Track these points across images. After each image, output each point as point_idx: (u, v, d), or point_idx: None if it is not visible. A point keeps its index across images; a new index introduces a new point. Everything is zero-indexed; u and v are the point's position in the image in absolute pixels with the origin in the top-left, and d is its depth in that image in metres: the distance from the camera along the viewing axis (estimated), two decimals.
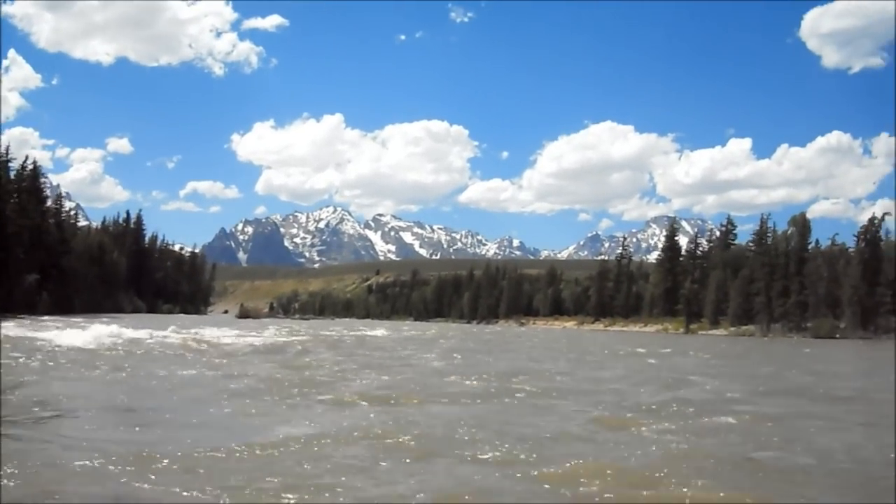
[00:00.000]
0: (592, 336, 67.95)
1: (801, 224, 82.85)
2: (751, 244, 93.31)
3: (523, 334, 68.87)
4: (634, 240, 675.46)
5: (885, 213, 78.01)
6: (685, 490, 6.82)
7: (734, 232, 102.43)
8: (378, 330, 58.15)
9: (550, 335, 67.91)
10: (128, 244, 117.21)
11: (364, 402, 12.02)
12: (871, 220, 77.22)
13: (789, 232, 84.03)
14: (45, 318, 41.86)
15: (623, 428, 10.25)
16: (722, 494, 6.77)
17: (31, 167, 74.84)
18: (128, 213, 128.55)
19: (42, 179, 76.45)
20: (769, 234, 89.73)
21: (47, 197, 78.88)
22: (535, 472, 7.31)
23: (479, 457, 8.02)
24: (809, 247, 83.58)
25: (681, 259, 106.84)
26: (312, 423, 9.99)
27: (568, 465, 7.67)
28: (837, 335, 71.51)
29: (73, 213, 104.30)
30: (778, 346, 51.74)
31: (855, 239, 79.94)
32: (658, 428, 10.22)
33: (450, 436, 9.19)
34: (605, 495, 6.63)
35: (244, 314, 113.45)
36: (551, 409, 12.01)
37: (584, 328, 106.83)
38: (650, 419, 10.99)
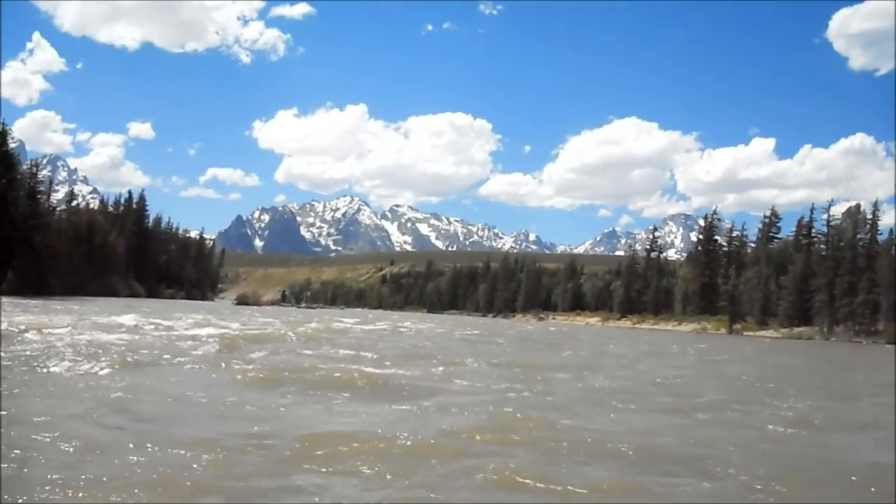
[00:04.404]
0: (657, 338, 59.00)
1: (871, 216, 73.84)
2: (801, 238, 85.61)
3: (575, 332, 60.56)
4: (651, 236, 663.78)
5: None
6: None
7: (777, 225, 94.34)
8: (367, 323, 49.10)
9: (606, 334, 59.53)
10: (128, 225, 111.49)
11: None
12: None
13: (843, 225, 75.79)
14: None
15: None
16: None
17: None
18: (130, 193, 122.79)
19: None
20: (819, 226, 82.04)
21: (19, 164, 71.71)
22: None
23: None
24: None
25: (719, 252, 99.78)
26: None
27: None
28: None
29: (75, 192, 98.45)
30: None
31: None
32: None
33: None
34: None
35: (242, 301, 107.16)
36: None
37: (611, 325, 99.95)
38: None
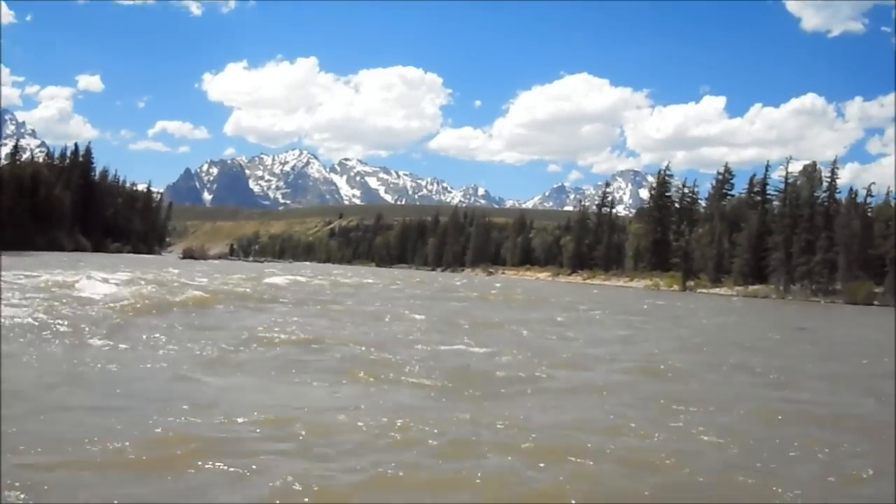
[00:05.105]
0: (614, 294, 58.34)
1: (829, 174, 73.72)
2: (754, 195, 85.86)
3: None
4: (602, 192, 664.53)
5: None
6: None
7: (731, 182, 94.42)
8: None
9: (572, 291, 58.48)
10: (74, 178, 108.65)
11: None
12: None
13: (799, 183, 75.80)
14: None
15: None
16: None
17: None
18: (76, 146, 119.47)
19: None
20: (774, 184, 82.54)
21: None
22: None
23: None
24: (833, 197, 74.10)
25: (671, 208, 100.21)
26: None
27: None
28: (876, 301, 61.81)
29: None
30: None
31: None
32: None
33: None
34: None
35: (189, 255, 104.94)
36: None
37: (561, 280, 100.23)
38: None
